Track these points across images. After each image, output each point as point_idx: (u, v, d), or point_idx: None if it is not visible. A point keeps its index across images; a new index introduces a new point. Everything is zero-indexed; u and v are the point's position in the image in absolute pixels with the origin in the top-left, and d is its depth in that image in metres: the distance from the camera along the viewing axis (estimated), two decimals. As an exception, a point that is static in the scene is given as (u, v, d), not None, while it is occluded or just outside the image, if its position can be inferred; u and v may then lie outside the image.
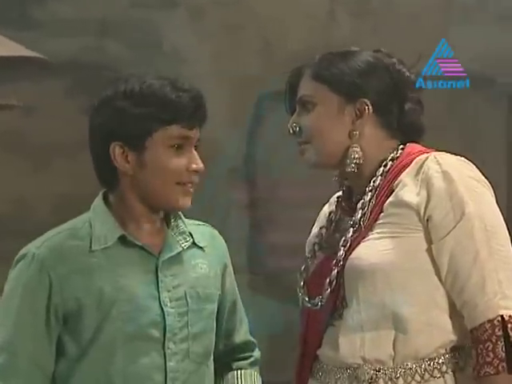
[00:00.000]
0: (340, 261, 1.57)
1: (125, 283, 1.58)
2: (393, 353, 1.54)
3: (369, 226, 1.58)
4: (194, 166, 1.59)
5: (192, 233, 1.68)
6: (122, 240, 1.61)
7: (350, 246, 1.58)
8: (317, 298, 1.59)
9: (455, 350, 1.55)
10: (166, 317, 1.59)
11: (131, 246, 1.61)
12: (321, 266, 1.64)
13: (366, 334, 1.54)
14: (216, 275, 1.68)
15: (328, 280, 1.58)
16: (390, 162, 1.62)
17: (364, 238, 1.57)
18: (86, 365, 1.57)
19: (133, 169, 1.59)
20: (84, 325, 1.57)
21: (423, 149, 1.63)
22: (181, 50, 3.33)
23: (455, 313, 1.55)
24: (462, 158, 1.60)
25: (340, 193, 1.73)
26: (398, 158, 1.62)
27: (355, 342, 1.55)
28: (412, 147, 1.64)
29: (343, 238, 1.60)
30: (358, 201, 1.62)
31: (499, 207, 1.61)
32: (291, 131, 1.64)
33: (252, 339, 1.76)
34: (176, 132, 1.58)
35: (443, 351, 1.54)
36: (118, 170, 1.61)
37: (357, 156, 1.61)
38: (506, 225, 1.59)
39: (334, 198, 1.75)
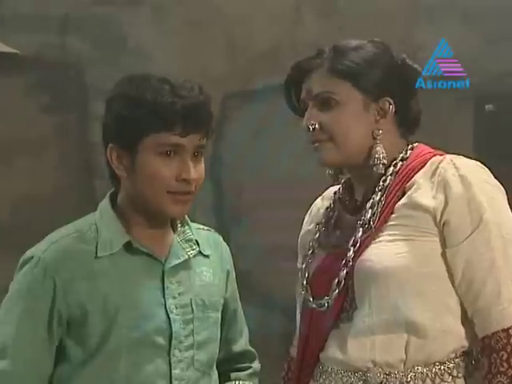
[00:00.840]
0: (349, 261, 1.55)
1: (130, 289, 1.57)
2: (404, 357, 1.53)
3: (379, 227, 1.56)
4: (182, 175, 1.56)
5: (198, 240, 1.66)
6: (128, 246, 1.60)
7: (359, 246, 1.56)
8: (324, 299, 1.57)
9: (465, 354, 1.55)
10: (172, 324, 1.58)
11: (137, 253, 1.60)
12: (324, 265, 1.61)
13: (377, 338, 1.53)
14: (220, 283, 1.68)
15: (336, 281, 1.56)
16: (400, 162, 1.60)
17: (374, 239, 1.56)
18: (90, 371, 1.56)
19: (127, 172, 1.58)
20: (89, 331, 1.55)
21: (433, 150, 1.63)
22: (145, 48, 3.31)
23: (466, 318, 1.55)
24: (477, 162, 1.59)
25: (335, 188, 1.71)
26: (407, 158, 1.61)
27: (365, 345, 1.53)
28: (421, 148, 1.63)
29: (352, 238, 1.57)
30: (365, 200, 1.60)
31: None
32: (310, 129, 1.60)
33: (252, 350, 1.75)
34: (166, 139, 1.56)
35: (453, 355, 1.54)
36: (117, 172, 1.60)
37: (381, 156, 1.59)
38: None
39: (329, 193, 1.73)
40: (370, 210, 1.57)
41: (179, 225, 1.66)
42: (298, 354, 1.63)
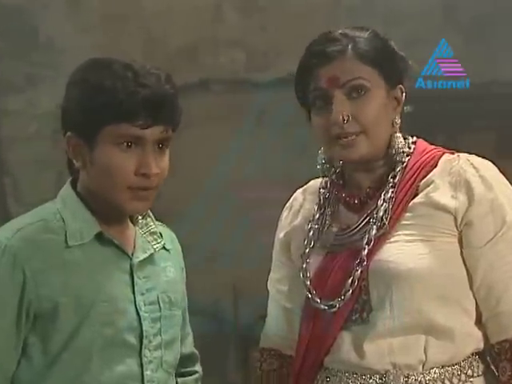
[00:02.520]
0: (363, 260, 1.53)
1: (103, 283, 1.52)
2: (424, 358, 1.53)
3: (392, 226, 1.54)
4: (142, 169, 1.50)
5: (162, 233, 1.62)
6: (98, 237, 1.54)
7: (373, 245, 1.54)
8: (335, 300, 1.54)
9: (477, 354, 1.57)
10: (142, 321, 1.54)
11: (107, 244, 1.54)
12: (329, 264, 1.58)
13: (394, 340, 1.53)
14: (180, 280, 1.64)
15: (350, 280, 1.53)
16: (407, 158, 1.59)
17: (388, 238, 1.54)
18: (58, 371, 1.49)
19: (84, 164, 1.52)
20: (58, 326, 1.49)
21: (434, 147, 1.62)
22: (58, 41, 3.28)
23: (478, 320, 1.57)
24: (489, 162, 1.60)
25: (317, 182, 1.67)
26: (411, 153, 1.60)
27: (383, 348, 1.53)
28: (423, 143, 1.63)
29: (366, 236, 1.54)
30: (369, 196, 1.58)
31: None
32: (345, 121, 1.54)
33: (196, 351, 1.71)
34: (125, 130, 1.49)
35: (468, 356, 1.56)
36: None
37: (401, 145, 1.58)
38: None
39: (312, 188, 1.68)
40: (382, 208, 1.55)
41: (140, 217, 1.60)
42: (297, 358, 1.59)
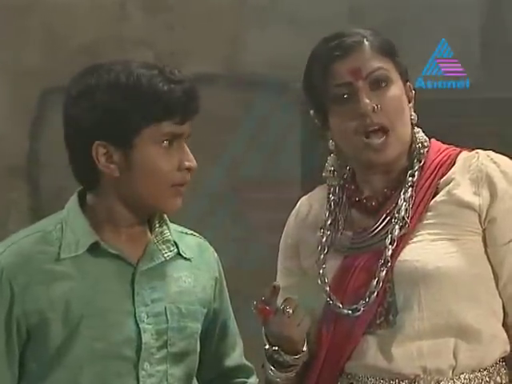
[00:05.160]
0: (388, 261, 1.53)
1: (94, 296, 1.51)
2: (454, 363, 1.54)
3: (413, 225, 1.55)
4: (186, 163, 1.52)
5: (177, 242, 1.59)
6: (95, 247, 1.52)
7: (396, 245, 1.54)
8: (359, 303, 1.53)
9: (504, 360, 1.58)
10: (142, 334, 1.52)
11: (105, 255, 1.53)
12: (349, 267, 1.57)
13: (424, 343, 1.53)
14: (204, 291, 1.61)
15: (375, 282, 1.53)
16: (424, 156, 1.59)
17: (411, 238, 1.55)
18: None
19: (119, 170, 1.50)
20: (48, 341, 1.48)
21: (447, 146, 1.64)
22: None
23: (506, 322, 1.58)
24: (506, 157, 1.61)
25: (323, 189, 1.66)
26: (427, 152, 1.60)
27: (411, 351, 1.53)
28: (437, 142, 1.64)
29: (389, 236, 1.54)
30: (386, 197, 1.58)
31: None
32: (374, 109, 1.54)
33: (248, 364, 1.69)
34: (167, 129, 1.50)
35: (496, 361, 1.57)
36: (101, 171, 1.51)
37: (423, 140, 1.59)
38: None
39: (318, 194, 1.67)
40: (403, 207, 1.55)
41: (157, 225, 1.59)
42: (316, 363, 1.58)
